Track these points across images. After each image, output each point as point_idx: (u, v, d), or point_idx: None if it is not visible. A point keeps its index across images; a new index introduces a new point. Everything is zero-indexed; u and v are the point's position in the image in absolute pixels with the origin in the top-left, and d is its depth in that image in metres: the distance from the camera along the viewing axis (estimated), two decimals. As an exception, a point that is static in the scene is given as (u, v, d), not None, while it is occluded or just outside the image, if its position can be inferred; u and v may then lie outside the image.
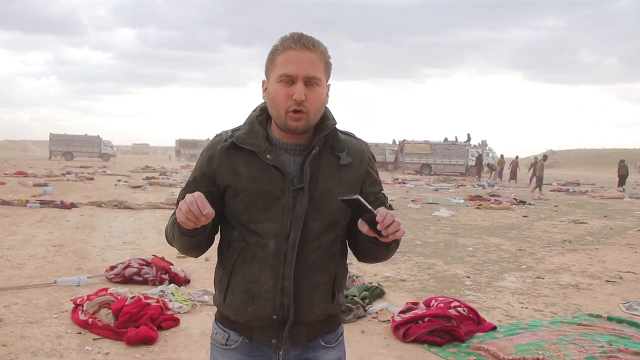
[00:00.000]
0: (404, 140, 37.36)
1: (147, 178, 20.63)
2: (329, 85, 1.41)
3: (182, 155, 55.46)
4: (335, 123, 1.41)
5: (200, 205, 1.21)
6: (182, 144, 56.91)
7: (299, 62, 1.31)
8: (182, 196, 1.35)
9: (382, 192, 1.49)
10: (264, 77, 1.42)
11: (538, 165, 20.73)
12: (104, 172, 25.77)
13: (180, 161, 49.95)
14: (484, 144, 37.18)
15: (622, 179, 23.18)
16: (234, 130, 1.43)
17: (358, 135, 1.49)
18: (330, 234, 1.40)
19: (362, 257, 1.49)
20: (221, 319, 1.47)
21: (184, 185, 1.47)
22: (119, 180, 19.35)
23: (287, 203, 1.35)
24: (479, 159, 31.32)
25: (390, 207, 1.45)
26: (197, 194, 1.23)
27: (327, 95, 1.40)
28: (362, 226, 1.24)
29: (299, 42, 1.32)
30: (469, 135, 36.90)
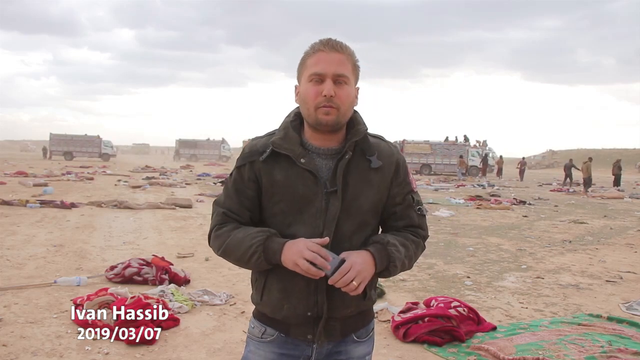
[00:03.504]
0: (404, 140, 37.34)
1: (147, 178, 20.62)
2: (358, 88, 1.47)
3: (181, 155, 55.48)
4: (367, 128, 1.48)
5: (321, 264, 1.32)
6: (182, 144, 56.98)
7: (328, 61, 1.39)
8: (225, 199, 1.48)
9: (412, 194, 1.51)
10: (291, 82, 1.50)
11: (584, 167, 21.42)
12: (104, 172, 25.74)
13: (180, 161, 49.91)
14: (484, 144, 37.20)
15: (617, 179, 24.00)
16: (268, 135, 1.48)
17: (387, 138, 1.55)
18: (361, 234, 1.46)
19: None
20: (258, 316, 1.53)
21: (227, 186, 1.51)
22: (119, 180, 19.33)
23: (321, 205, 1.40)
24: (485, 158, 32.15)
25: (420, 212, 1.52)
26: (310, 253, 1.32)
27: (356, 97, 1.46)
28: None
29: (328, 45, 1.41)
30: (465, 136, 37.02)
